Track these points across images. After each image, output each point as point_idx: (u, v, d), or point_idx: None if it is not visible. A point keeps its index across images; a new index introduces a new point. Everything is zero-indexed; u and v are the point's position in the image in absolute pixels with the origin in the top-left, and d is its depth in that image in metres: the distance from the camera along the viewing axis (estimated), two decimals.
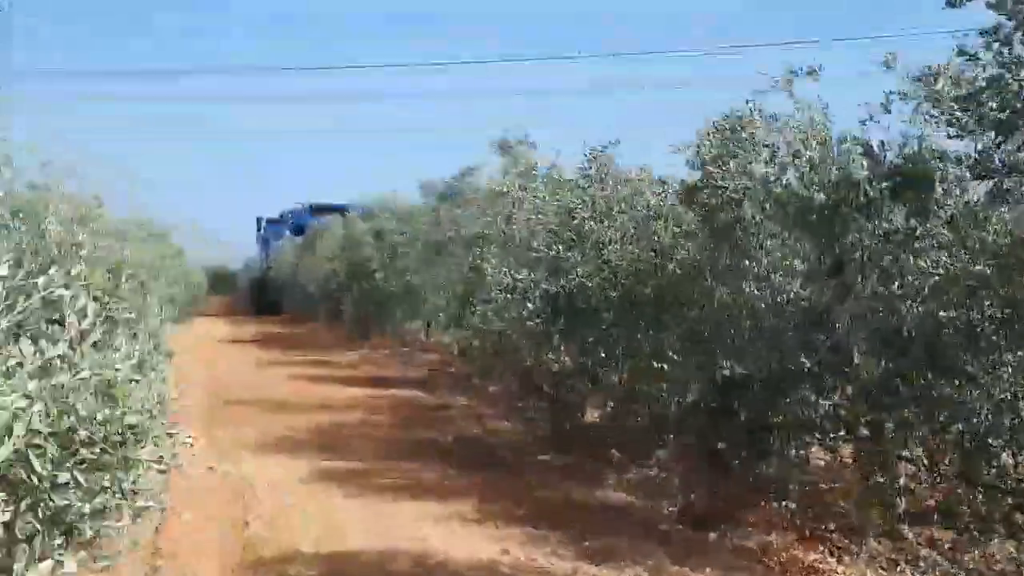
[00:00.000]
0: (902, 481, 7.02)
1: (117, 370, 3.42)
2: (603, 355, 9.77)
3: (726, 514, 7.54)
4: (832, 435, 7.03)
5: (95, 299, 3.94)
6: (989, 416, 6.15)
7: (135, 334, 3.96)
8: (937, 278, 6.43)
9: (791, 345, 6.90)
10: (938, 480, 7.11)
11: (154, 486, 3.76)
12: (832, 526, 7.32)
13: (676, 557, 6.98)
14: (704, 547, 7.19)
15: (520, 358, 11.20)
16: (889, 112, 6.74)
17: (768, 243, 7.46)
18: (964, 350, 6.23)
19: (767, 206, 7.40)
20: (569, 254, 9.91)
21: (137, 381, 3.54)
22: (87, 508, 3.37)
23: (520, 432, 11.52)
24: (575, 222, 9.99)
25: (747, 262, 7.49)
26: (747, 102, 7.76)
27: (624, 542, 7.30)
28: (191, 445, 4.10)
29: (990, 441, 6.22)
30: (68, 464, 3.29)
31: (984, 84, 5.62)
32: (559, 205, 10.61)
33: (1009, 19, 5.35)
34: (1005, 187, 5.73)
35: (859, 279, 6.81)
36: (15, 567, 3.20)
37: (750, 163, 7.64)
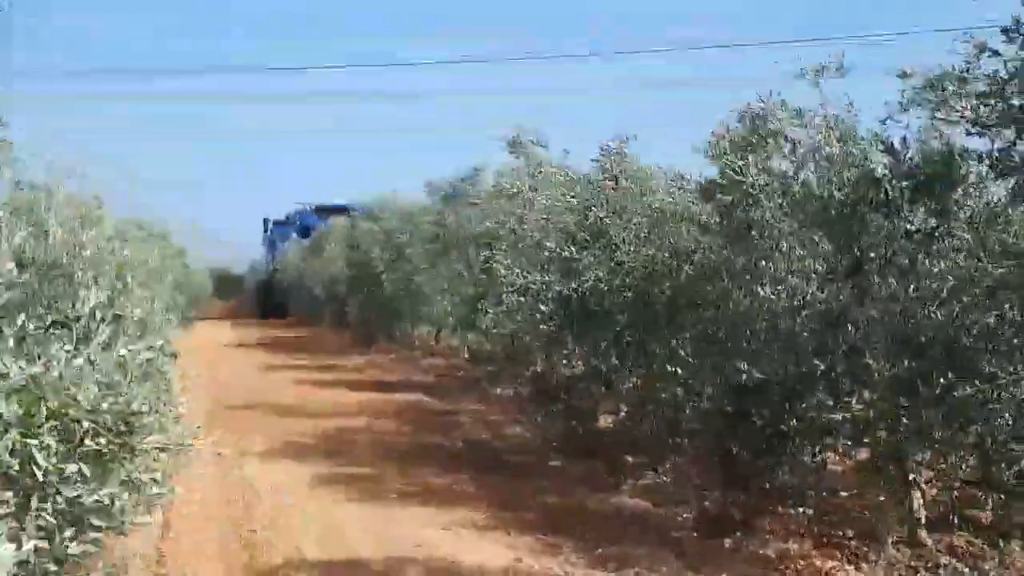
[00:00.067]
0: (921, 486, 7.04)
1: (122, 358, 3.49)
2: (616, 359, 9.78)
3: (742, 521, 7.56)
4: (849, 440, 7.04)
5: (103, 301, 4.01)
6: (1010, 420, 6.17)
7: (141, 334, 4.02)
8: (956, 279, 6.45)
9: (807, 348, 6.92)
10: (957, 485, 7.13)
11: (162, 473, 3.82)
12: (850, 533, 7.35)
13: (691, 565, 7.01)
14: (719, 555, 7.21)
15: (531, 362, 11.23)
16: (907, 111, 6.76)
17: (784, 244, 7.48)
18: (984, 352, 6.25)
19: (785, 204, 7.43)
20: (582, 254, 9.91)
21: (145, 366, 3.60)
22: (96, 496, 3.42)
23: (531, 437, 11.57)
24: (589, 222, 10.00)
25: (763, 263, 7.51)
26: (769, 94, 7.79)
27: (639, 550, 7.33)
28: (202, 434, 4.16)
29: (1011, 445, 6.24)
30: (74, 457, 3.34)
31: (1007, 77, 5.65)
32: (576, 201, 10.57)
33: None
34: None
35: (877, 280, 6.83)
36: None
37: (769, 158, 7.69)
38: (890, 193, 6.71)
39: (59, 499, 3.36)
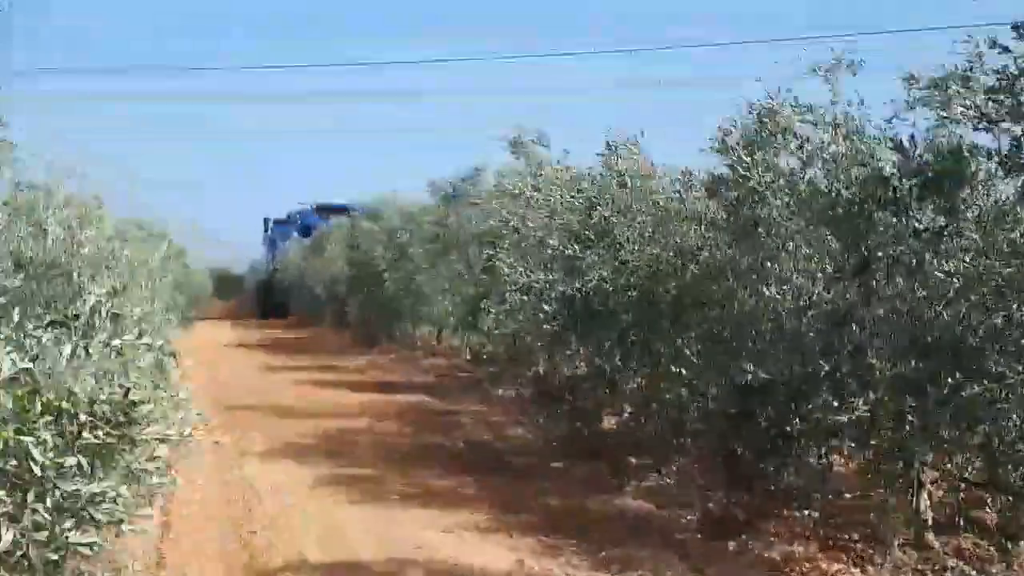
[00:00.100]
0: (928, 487, 7.03)
1: (120, 349, 3.49)
2: (620, 359, 9.77)
3: (746, 523, 7.56)
4: (855, 441, 7.02)
5: (102, 300, 4.01)
6: (1018, 420, 6.15)
7: (140, 334, 4.02)
8: (964, 279, 6.43)
9: (813, 348, 6.91)
10: (963, 486, 7.12)
11: (162, 463, 3.81)
12: (856, 536, 7.33)
13: (695, 568, 7.02)
14: (724, 557, 7.21)
15: (534, 362, 11.22)
16: (913, 109, 6.76)
17: (790, 245, 7.47)
18: (992, 352, 6.23)
19: (791, 202, 7.42)
20: (586, 253, 9.89)
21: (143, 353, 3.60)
22: (95, 488, 3.41)
23: (533, 439, 11.56)
24: (593, 220, 9.98)
25: (769, 263, 7.50)
26: (778, 91, 7.79)
27: (642, 552, 7.32)
28: (205, 422, 4.15)
29: (1019, 446, 6.22)
30: (72, 450, 3.34)
31: (1016, 73, 5.64)
32: (580, 199, 10.54)
33: None
34: None
35: (884, 279, 6.82)
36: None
37: (776, 155, 7.68)
38: (898, 191, 6.71)
39: (57, 493, 3.36)
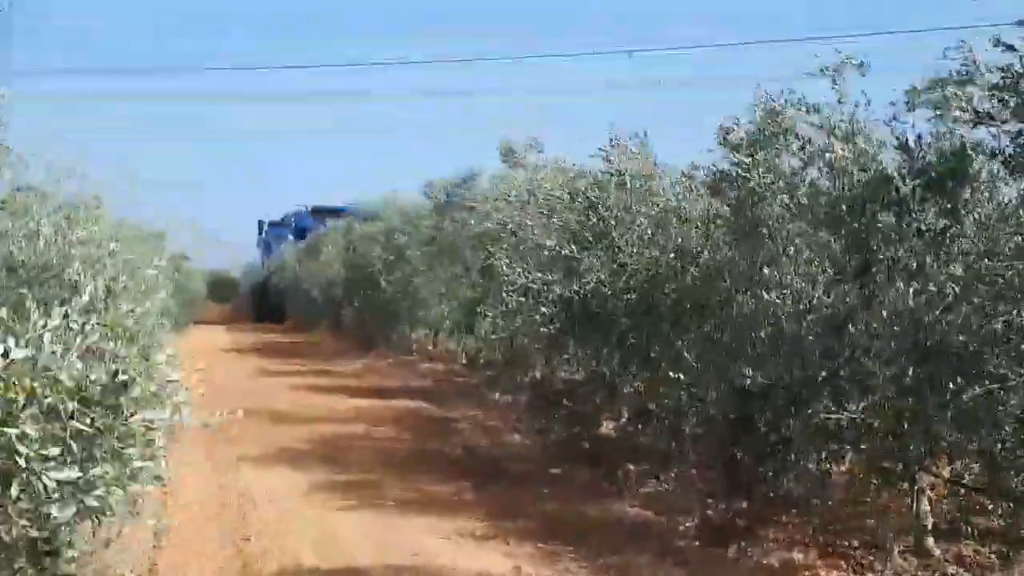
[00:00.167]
0: (928, 493, 7.04)
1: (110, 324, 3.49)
2: (619, 363, 9.77)
3: (745, 529, 7.57)
4: (853, 447, 7.03)
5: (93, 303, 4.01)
6: (1018, 425, 6.16)
7: (132, 337, 4.03)
8: (965, 281, 6.45)
9: (813, 352, 6.92)
10: (963, 492, 7.13)
11: (154, 446, 3.81)
12: (855, 542, 7.35)
13: (694, 574, 7.04)
14: (723, 564, 7.23)
15: (531, 366, 11.22)
16: (913, 110, 6.78)
17: (791, 249, 7.48)
18: (993, 356, 6.24)
19: (792, 203, 7.43)
20: (584, 254, 9.87)
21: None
22: (82, 475, 3.42)
23: (531, 444, 11.57)
24: (591, 222, 9.96)
25: (768, 267, 7.51)
26: (781, 92, 7.80)
27: (640, 559, 7.34)
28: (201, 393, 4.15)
29: (1019, 452, 6.24)
30: (59, 440, 3.35)
31: (1021, 71, 5.66)
32: (580, 198, 10.51)
33: None
34: None
35: (886, 280, 6.83)
36: None
37: (778, 155, 7.70)
38: (901, 191, 6.72)
39: (44, 480, 3.36)
